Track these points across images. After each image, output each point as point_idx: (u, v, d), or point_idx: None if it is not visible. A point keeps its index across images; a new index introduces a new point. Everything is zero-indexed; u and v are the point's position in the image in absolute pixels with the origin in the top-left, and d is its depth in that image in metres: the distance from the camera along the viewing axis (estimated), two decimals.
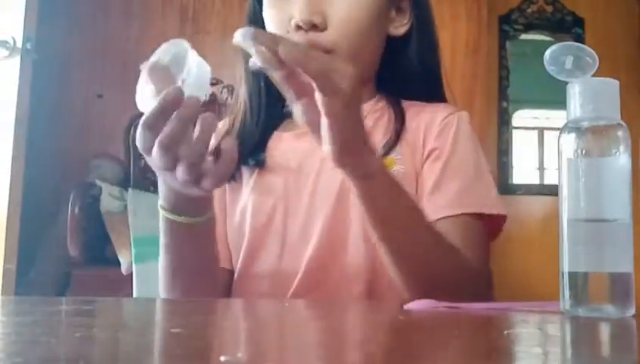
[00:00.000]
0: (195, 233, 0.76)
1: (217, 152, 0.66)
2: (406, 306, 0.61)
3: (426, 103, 0.92)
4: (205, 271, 0.82)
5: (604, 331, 0.51)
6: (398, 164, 0.86)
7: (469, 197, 0.84)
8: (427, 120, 0.89)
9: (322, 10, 0.83)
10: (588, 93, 0.58)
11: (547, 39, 3.48)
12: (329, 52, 0.81)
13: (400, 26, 0.90)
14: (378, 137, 0.88)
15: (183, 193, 0.70)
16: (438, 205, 0.83)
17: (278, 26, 0.85)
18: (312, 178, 0.87)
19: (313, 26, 0.82)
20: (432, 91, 0.94)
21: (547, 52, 0.59)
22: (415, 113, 0.91)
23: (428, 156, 0.87)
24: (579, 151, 0.57)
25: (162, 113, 0.62)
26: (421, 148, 0.88)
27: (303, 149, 0.88)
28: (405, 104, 0.92)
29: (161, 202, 0.74)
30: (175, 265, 0.79)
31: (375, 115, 0.91)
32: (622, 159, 0.57)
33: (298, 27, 0.82)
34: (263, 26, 0.89)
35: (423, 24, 0.92)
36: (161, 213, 0.75)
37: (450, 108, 0.92)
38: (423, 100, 0.93)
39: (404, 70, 0.92)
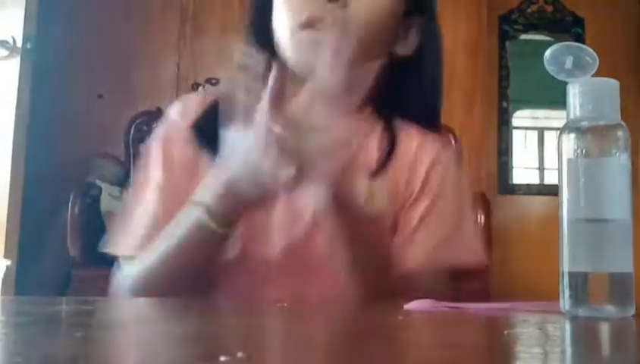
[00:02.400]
0: (223, 241, 0.76)
1: None
2: (406, 306, 0.61)
3: (418, 127, 0.90)
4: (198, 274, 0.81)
5: (604, 331, 0.51)
6: (377, 197, 0.84)
7: (447, 249, 0.84)
8: (415, 154, 0.87)
9: None
10: (588, 93, 0.58)
11: (547, 39, 3.48)
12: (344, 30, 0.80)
13: (405, 47, 0.89)
14: (369, 156, 0.86)
15: (244, 204, 0.72)
16: (416, 254, 0.83)
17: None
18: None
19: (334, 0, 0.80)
20: (427, 116, 0.92)
21: (547, 52, 0.59)
22: (405, 138, 0.88)
23: (411, 197, 0.85)
24: (579, 151, 0.57)
25: None
26: (404, 184, 0.86)
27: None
28: (397, 123, 0.89)
29: (208, 214, 0.73)
30: (182, 267, 0.78)
31: (365, 129, 0.88)
32: (622, 159, 0.57)
33: None
34: (266, 8, 0.86)
35: (430, 51, 0.91)
36: (202, 222, 0.73)
37: (439, 142, 0.90)
38: (416, 122, 0.90)
39: (402, 92, 0.90)
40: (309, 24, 0.80)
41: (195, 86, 2.49)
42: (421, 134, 0.89)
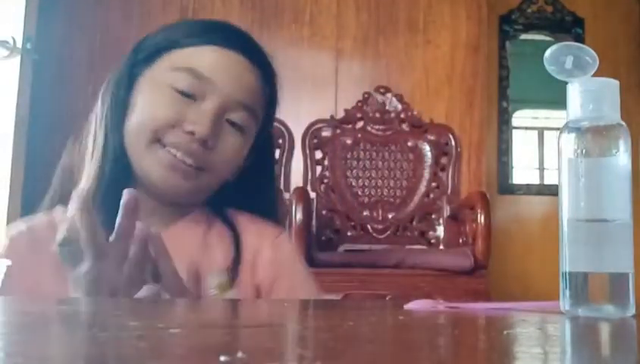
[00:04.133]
0: None
1: None
2: (406, 306, 0.61)
3: (252, 216, 0.93)
4: None
5: (604, 331, 0.51)
6: (227, 288, 0.86)
7: None
8: (255, 243, 0.90)
9: (216, 135, 0.84)
10: (588, 93, 0.58)
11: (547, 39, 3.49)
12: (201, 170, 0.85)
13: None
14: (217, 255, 0.88)
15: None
16: None
17: (166, 121, 0.83)
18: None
19: (204, 142, 0.83)
20: (262, 208, 0.95)
21: (547, 52, 0.59)
22: (244, 230, 0.91)
23: (263, 280, 0.89)
24: (579, 151, 0.57)
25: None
26: (250, 269, 0.88)
27: None
28: (232, 215, 0.92)
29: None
30: None
31: (201, 229, 0.90)
32: (622, 159, 0.57)
33: (191, 134, 0.83)
34: (121, 113, 0.86)
35: (264, 158, 0.96)
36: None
37: (275, 230, 0.94)
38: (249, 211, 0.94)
39: (235, 188, 0.92)
40: (166, 144, 0.84)
41: None
42: (256, 222, 0.93)
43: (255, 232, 0.91)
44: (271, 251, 0.90)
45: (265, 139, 0.95)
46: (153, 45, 0.87)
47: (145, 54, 0.87)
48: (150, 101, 0.85)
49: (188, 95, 0.84)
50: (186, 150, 0.82)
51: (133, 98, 0.86)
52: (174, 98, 0.83)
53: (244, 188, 0.93)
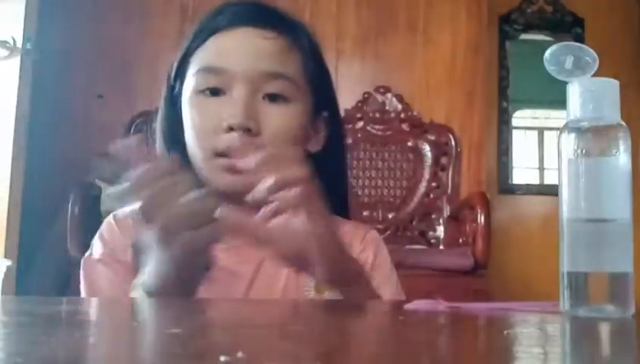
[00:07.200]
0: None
1: None
2: (406, 306, 0.61)
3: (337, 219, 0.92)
4: None
5: (604, 331, 0.51)
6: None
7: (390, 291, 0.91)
8: (347, 239, 0.88)
9: (256, 117, 0.81)
10: (588, 93, 0.58)
11: (547, 39, 3.48)
12: None
13: (316, 144, 0.90)
14: None
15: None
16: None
17: (206, 128, 0.82)
18: (245, 285, 0.85)
19: (247, 130, 0.80)
20: (337, 208, 0.92)
21: (547, 52, 0.59)
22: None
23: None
24: (579, 151, 0.57)
25: None
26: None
27: (236, 260, 0.84)
28: None
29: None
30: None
31: None
32: (622, 159, 0.57)
33: (231, 129, 0.80)
34: (178, 130, 0.86)
35: (335, 144, 0.93)
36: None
37: (363, 227, 0.94)
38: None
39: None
40: (224, 154, 0.80)
41: None
42: (341, 222, 0.91)
43: (347, 229, 0.90)
44: (362, 245, 0.91)
45: (330, 124, 0.91)
46: (177, 66, 0.89)
47: (174, 75, 0.89)
48: (190, 116, 0.84)
49: (216, 93, 0.83)
50: (235, 148, 0.77)
51: (183, 115, 0.86)
52: (203, 103, 0.83)
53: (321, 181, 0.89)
